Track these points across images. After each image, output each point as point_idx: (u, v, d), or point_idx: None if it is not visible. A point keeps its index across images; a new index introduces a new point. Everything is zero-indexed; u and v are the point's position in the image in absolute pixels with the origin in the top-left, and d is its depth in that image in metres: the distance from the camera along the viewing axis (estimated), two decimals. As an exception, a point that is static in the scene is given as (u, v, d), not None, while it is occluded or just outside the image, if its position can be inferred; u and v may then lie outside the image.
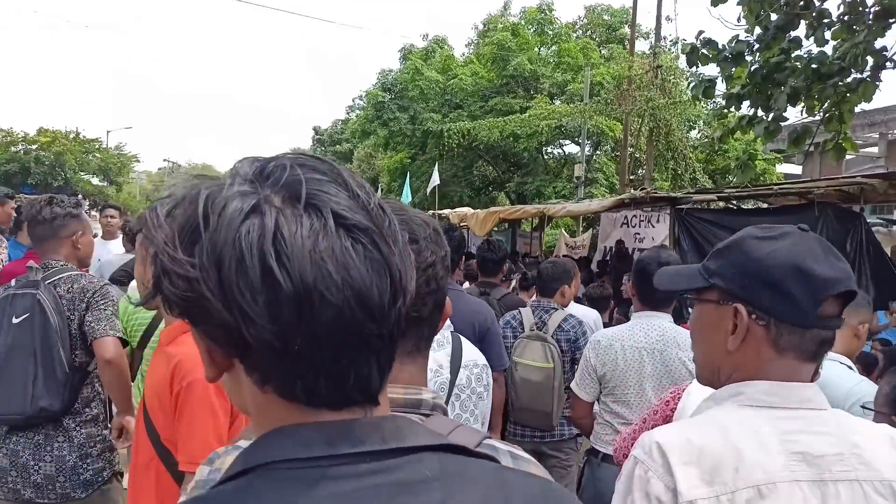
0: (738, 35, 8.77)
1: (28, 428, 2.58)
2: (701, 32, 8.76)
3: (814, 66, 8.71)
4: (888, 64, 8.64)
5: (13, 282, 2.74)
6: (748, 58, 8.67)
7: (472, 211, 10.30)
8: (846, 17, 8.97)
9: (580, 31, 23.97)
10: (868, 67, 8.72)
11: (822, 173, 29.48)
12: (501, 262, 4.29)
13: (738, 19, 9.38)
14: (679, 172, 12.96)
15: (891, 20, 8.57)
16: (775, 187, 6.40)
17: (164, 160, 68.78)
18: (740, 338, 1.17)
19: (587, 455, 2.95)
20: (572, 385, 2.94)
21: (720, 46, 8.64)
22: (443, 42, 25.02)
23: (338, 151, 43.09)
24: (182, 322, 1.17)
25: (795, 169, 24.29)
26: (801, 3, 8.56)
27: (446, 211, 12.23)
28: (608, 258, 11.98)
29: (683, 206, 6.39)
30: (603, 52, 23.46)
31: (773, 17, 9.07)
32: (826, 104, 9.34)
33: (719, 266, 1.21)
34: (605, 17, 24.78)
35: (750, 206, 7.05)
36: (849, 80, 9.03)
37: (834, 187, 6.24)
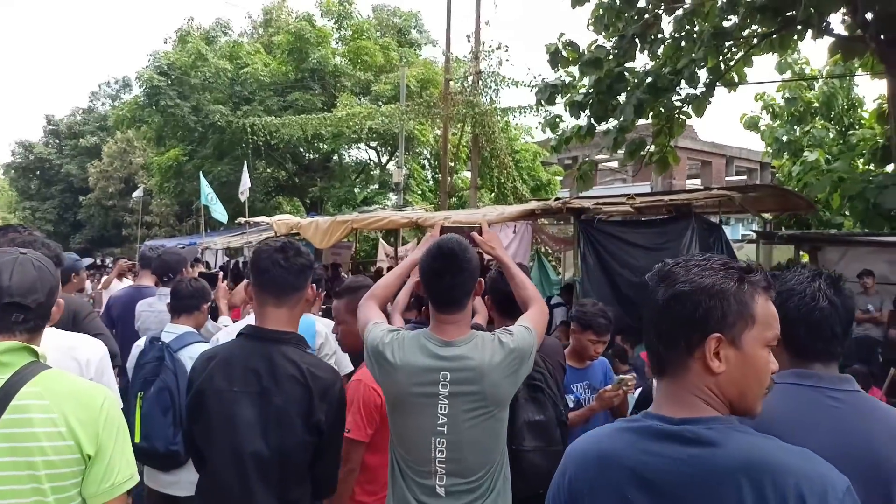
0: (597, 39, 8.67)
1: None
2: (562, 34, 8.51)
3: (649, 79, 8.93)
4: (734, 79, 9.02)
5: None
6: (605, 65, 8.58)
7: (308, 220, 8.90)
8: (676, 35, 9.35)
9: (372, 31, 23.24)
10: (701, 83, 9.13)
11: (575, 187, 32.07)
12: None
13: (587, 26, 9.31)
14: (502, 181, 12.87)
15: (725, 42, 9.01)
16: (666, 199, 6.21)
17: None
18: None
19: None
20: None
21: (581, 50, 8.45)
22: (227, 27, 22.52)
23: (81, 146, 36.96)
24: None
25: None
26: (651, 16, 8.69)
27: (263, 219, 10.56)
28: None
29: (593, 218, 5.91)
30: (392, 54, 23.03)
31: (620, 25, 9.13)
32: (659, 118, 9.67)
33: None
34: (395, 20, 24.46)
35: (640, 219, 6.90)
36: (682, 95, 9.40)
37: (707, 198, 6.20)
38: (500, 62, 11.82)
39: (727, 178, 30.51)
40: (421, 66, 19.91)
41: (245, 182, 10.41)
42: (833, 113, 16.90)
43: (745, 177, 32.31)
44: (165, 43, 22.29)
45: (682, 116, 9.47)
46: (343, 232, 7.87)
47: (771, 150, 17.87)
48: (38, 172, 39.34)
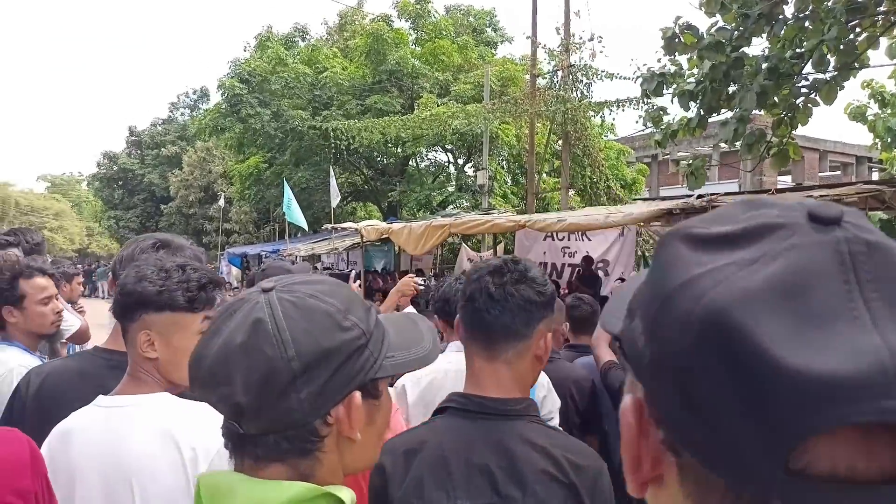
0: (716, 21, 7.92)
1: None
2: (679, 17, 7.81)
3: (766, 64, 8.11)
4: (856, 63, 8.20)
5: None
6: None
7: (400, 225, 8.52)
8: (800, 15, 8.49)
9: (450, 30, 22.90)
10: (831, 67, 8.26)
11: (659, 182, 31.01)
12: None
13: (699, 6, 8.56)
14: (595, 181, 12.21)
15: (858, 17, 8.10)
16: (815, 194, 5.48)
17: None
18: (646, 461, 0.49)
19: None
20: None
21: (700, 34, 7.71)
22: (305, 31, 22.65)
23: (162, 156, 38.22)
24: None
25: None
26: (776, -8, 7.85)
27: (351, 225, 10.28)
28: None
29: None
30: (471, 54, 22.57)
31: (735, 6, 8.33)
32: (779, 107, 8.83)
33: (637, 294, 0.52)
34: (470, 19, 24.05)
35: None
36: (808, 81, 8.55)
37: (858, 193, 5.41)
38: (592, 54, 11.18)
39: (821, 174, 28.79)
40: (500, 63, 19.37)
41: (334, 188, 10.16)
42: (950, 101, 15.48)
43: (839, 172, 30.49)
44: (244, 50, 22.84)
45: (809, 105, 8.57)
46: (440, 237, 7.43)
47: (880, 142, 16.61)
48: (122, 182, 40.95)
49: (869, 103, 15.83)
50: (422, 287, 2.78)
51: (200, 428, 1.38)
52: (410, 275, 2.41)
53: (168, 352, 1.48)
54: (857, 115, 16.24)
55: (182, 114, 42.48)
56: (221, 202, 24.22)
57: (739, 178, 24.73)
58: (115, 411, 1.44)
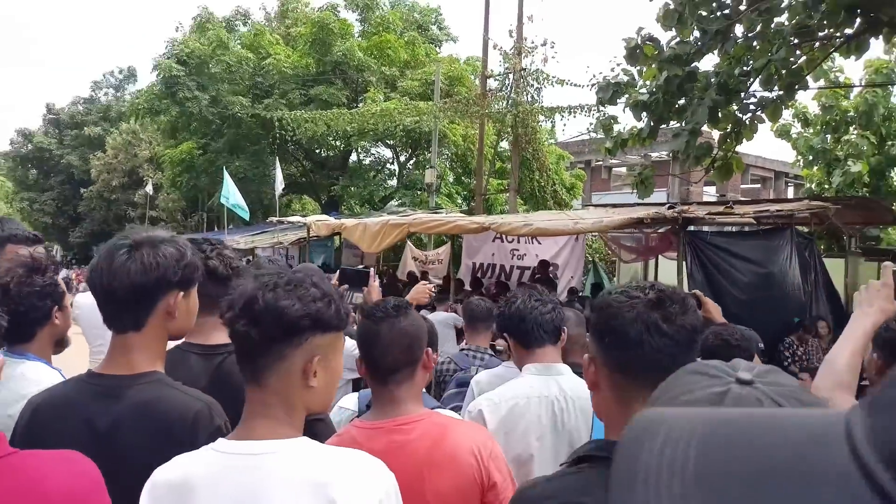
0: (675, 35, 8.05)
1: None
2: (641, 28, 7.91)
3: (716, 80, 8.39)
4: (797, 84, 8.55)
5: None
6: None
7: (355, 221, 8.23)
8: (749, 35, 8.82)
9: (398, 24, 22.59)
10: (777, 86, 8.59)
11: (592, 188, 31.60)
12: None
13: (656, 20, 8.73)
14: (542, 185, 12.26)
15: (806, 40, 8.45)
16: (773, 208, 5.65)
17: None
18: None
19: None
20: None
21: (661, 45, 7.84)
22: (246, 15, 21.82)
23: (83, 137, 36.09)
24: None
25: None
26: (732, 10, 8.12)
27: (298, 218, 9.90)
28: (481, 276, 10.76)
29: (706, 229, 5.33)
30: (418, 50, 22.35)
31: (690, 21, 8.53)
32: (726, 122, 9.12)
33: None
34: (415, 16, 23.82)
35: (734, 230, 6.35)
36: (756, 98, 8.87)
37: (808, 209, 5.64)
38: (545, 59, 11.25)
39: (742, 186, 30.24)
40: (448, 62, 19.25)
41: (279, 179, 9.78)
42: (869, 122, 16.52)
43: (759, 185, 32.09)
44: (177, 31, 21.78)
45: (755, 121, 8.88)
46: (397, 236, 7.25)
47: (802, 159, 17.61)
48: (37, 162, 38.51)
49: (793, 122, 16.71)
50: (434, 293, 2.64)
51: (357, 481, 1.20)
52: (423, 282, 2.26)
53: (326, 377, 1.31)
54: (783, 133, 17.12)
55: (106, 94, 40.44)
56: (149, 188, 23.04)
57: (668, 188, 25.63)
58: (246, 460, 1.20)
